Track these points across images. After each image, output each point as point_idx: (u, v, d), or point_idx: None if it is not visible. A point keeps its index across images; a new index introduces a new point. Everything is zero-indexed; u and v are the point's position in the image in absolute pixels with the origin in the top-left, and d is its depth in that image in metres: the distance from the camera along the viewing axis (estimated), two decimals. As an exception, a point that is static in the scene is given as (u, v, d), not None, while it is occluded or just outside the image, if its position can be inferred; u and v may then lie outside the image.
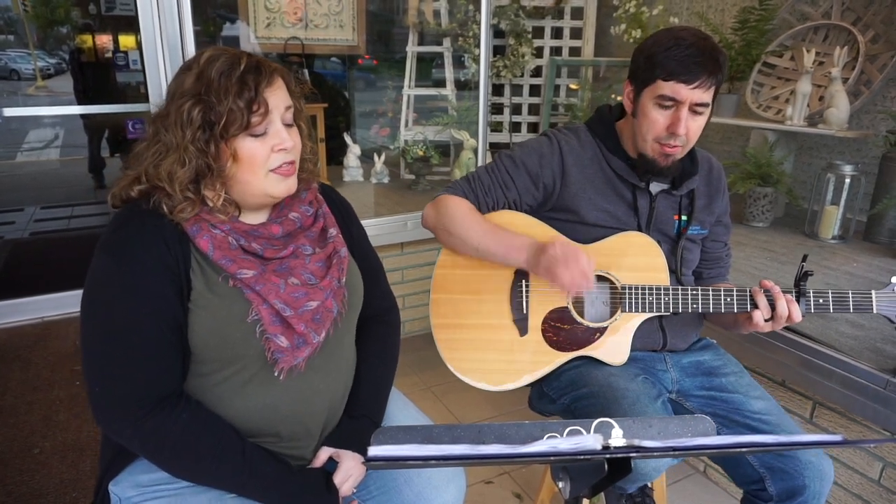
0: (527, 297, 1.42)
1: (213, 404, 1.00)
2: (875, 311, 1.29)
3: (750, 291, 1.32)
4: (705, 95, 1.25)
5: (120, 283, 0.93)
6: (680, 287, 1.35)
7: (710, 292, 1.34)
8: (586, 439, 0.63)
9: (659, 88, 1.26)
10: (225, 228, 1.00)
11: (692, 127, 1.29)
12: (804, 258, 1.30)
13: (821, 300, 1.30)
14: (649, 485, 1.42)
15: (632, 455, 0.65)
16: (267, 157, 0.98)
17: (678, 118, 1.27)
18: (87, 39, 3.85)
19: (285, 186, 1.02)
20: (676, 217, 1.44)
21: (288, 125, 1.01)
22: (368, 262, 1.25)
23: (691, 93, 1.24)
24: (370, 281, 1.23)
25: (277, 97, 0.98)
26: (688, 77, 1.23)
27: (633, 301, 1.36)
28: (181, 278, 0.96)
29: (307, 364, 1.03)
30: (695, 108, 1.27)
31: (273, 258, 1.03)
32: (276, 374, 1.00)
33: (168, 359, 0.96)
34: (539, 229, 1.43)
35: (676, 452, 0.64)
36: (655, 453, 0.63)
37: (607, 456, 0.65)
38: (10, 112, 2.06)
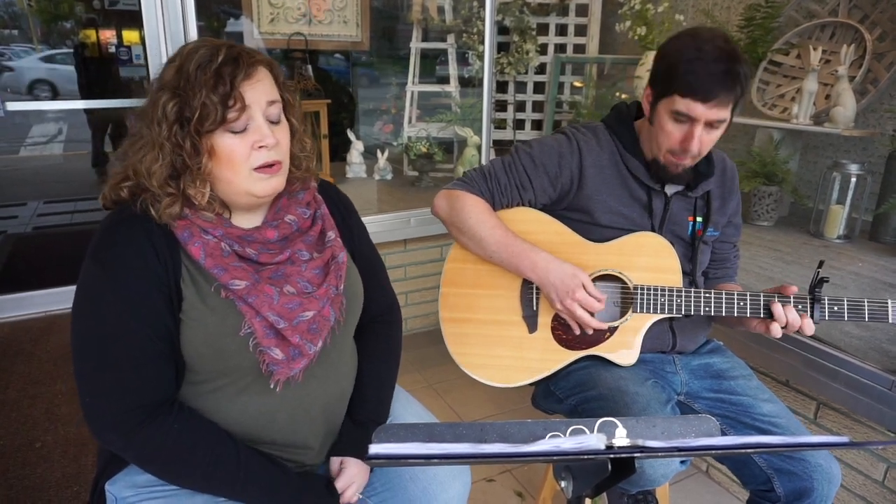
0: (537, 293, 1.42)
1: (207, 411, 0.98)
2: (890, 321, 1.23)
3: (765, 299, 1.29)
4: (722, 112, 1.23)
5: (107, 292, 0.91)
6: (693, 289, 1.34)
7: (724, 295, 1.32)
8: (589, 439, 0.63)
9: (675, 103, 1.24)
10: (217, 234, 0.95)
11: (706, 140, 1.27)
12: (820, 264, 1.26)
13: (836, 308, 1.26)
14: (652, 484, 1.41)
15: (636, 455, 0.64)
16: (247, 155, 0.92)
17: (692, 135, 1.25)
18: (91, 34, 3.85)
19: (269, 186, 0.96)
20: (691, 219, 1.43)
21: (273, 122, 0.96)
22: (369, 261, 1.22)
23: (707, 111, 1.22)
24: (371, 280, 1.20)
25: (257, 91, 0.92)
26: (705, 96, 1.20)
27: (645, 302, 1.35)
28: (171, 288, 0.92)
29: (304, 373, 1.00)
30: (711, 123, 1.25)
31: (269, 263, 0.99)
32: (272, 385, 0.97)
33: (157, 369, 0.93)
34: (553, 227, 1.42)
35: (681, 452, 0.64)
36: (660, 453, 0.63)
37: (611, 456, 0.64)
38: (13, 106, 2.06)
